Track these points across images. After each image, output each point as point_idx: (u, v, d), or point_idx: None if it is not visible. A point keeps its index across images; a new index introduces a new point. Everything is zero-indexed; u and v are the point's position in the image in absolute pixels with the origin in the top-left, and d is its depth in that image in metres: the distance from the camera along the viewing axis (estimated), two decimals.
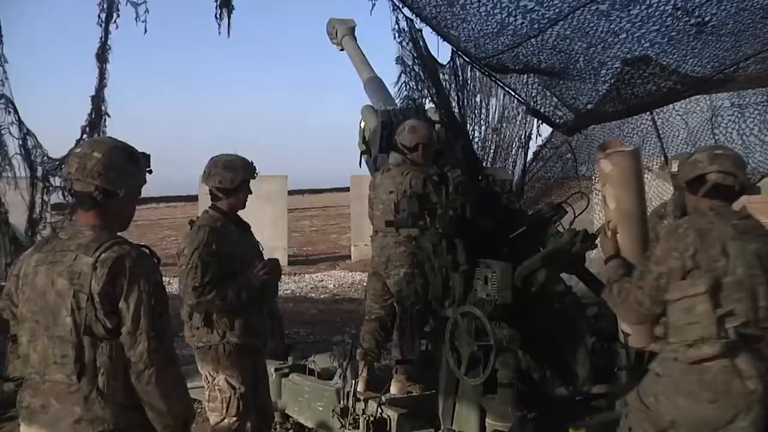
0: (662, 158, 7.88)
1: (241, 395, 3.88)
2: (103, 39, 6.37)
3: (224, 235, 3.85)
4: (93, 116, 6.54)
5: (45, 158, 6.97)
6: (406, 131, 5.12)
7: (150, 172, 2.56)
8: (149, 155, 2.56)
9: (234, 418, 3.89)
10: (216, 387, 3.89)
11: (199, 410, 5.74)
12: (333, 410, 4.65)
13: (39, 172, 6.94)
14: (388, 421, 4.40)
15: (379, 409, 4.43)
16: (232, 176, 3.86)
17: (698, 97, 7.22)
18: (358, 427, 4.50)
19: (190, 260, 3.73)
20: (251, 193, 4.04)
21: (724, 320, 2.79)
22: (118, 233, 2.46)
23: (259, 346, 4.03)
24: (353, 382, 4.66)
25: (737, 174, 2.99)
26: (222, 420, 3.90)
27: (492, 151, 7.04)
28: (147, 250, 2.45)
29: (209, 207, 4.00)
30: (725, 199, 3.03)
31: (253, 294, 3.84)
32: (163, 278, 2.49)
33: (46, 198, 6.98)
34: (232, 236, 3.90)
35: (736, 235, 2.87)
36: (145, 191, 2.60)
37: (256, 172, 4.01)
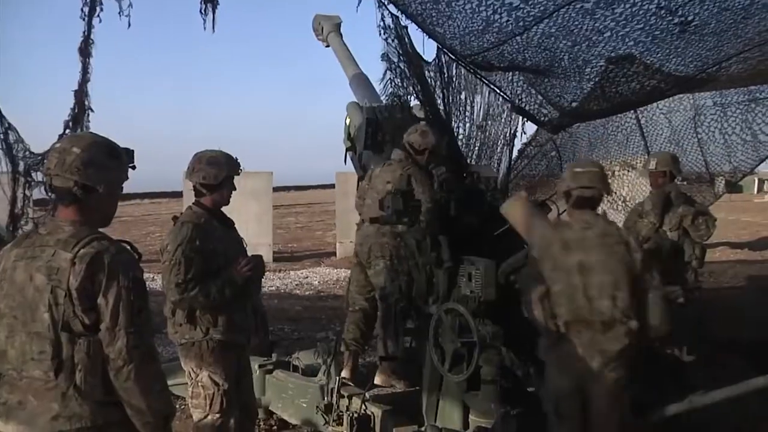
0: (646, 156, 7.94)
1: (224, 392, 3.85)
2: (86, 33, 6.31)
3: (208, 232, 3.81)
4: (76, 111, 6.48)
5: (27, 153, 6.90)
6: (417, 133, 5.10)
7: (133, 167, 2.53)
8: (132, 151, 2.52)
9: (217, 415, 3.86)
10: (199, 383, 3.86)
11: (182, 407, 5.73)
12: (317, 407, 4.65)
13: (21, 167, 6.87)
14: (372, 417, 4.40)
15: (363, 406, 4.43)
16: (216, 172, 3.81)
17: (682, 96, 7.28)
18: (342, 424, 4.50)
19: (173, 256, 3.69)
20: (235, 189, 4.00)
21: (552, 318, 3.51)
22: (100, 229, 2.44)
23: (242, 343, 4.00)
24: (337, 378, 4.65)
25: (596, 186, 3.56)
26: (205, 417, 3.88)
27: (477, 148, 7.06)
28: (127, 246, 2.43)
29: (193, 203, 3.95)
30: (591, 207, 3.64)
31: (237, 290, 3.81)
32: (147, 275, 2.47)
33: (28, 193, 6.91)
34: (216, 232, 3.87)
35: (565, 249, 3.55)
36: (129, 187, 2.56)
37: (241, 168, 3.98)
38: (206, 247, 3.75)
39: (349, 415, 4.43)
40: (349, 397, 4.55)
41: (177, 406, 5.43)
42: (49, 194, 2.46)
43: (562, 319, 3.49)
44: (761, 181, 36.50)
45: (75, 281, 2.24)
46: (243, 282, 3.82)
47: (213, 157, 3.85)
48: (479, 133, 7.03)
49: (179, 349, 3.92)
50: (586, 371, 3.47)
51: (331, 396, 4.60)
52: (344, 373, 4.82)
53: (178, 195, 20.45)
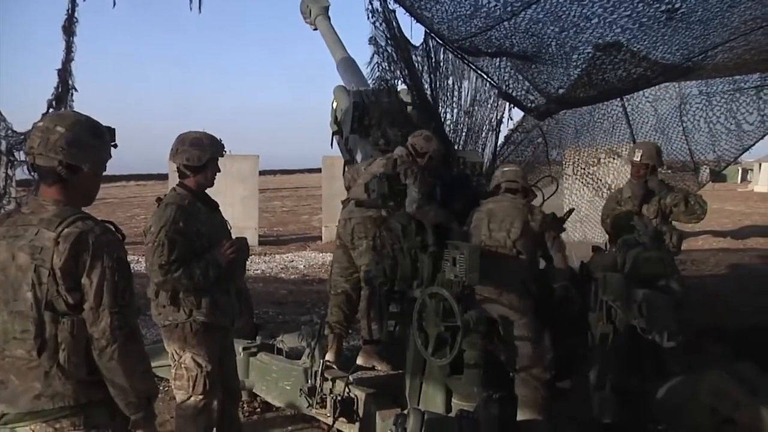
0: (631, 144, 7.97)
1: (207, 373, 3.85)
2: (69, 11, 6.25)
3: (192, 213, 3.78)
4: (60, 90, 6.43)
5: (9, 132, 6.85)
6: (422, 137, 5.04)
7: (115, 146, 2.51)
8: (114, 129, 2.50)
9: (200, 396, 3.86)
10: (182, 365, 3.86)
11: (165, 389, 5.73)
12: (300, 389, 4.66)
13: (3, 146, 6.83)
14: (355, 400, 4.43)
15: (347, 389, 4.45)
16: (200, 153, 3.77)
17: (668, 84, 7.31)
18: (325, 407, 4.51)
19: (157, 238, 3.66)
20: (219, 171, 3.98)
21: None
22: (83, 209, 2.42)
23: (226, 325, 3.99)
24: (321, 361, 4.66)
25: (518, 181, 4.63)
26: (188, 398, 3.88)
27: (463, 134, 7.06)
28: (111, 226, 2.42)
29: (177, 185, 3.92)
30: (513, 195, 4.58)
31: (221, 272, 3.80)
32: (131, 256, 2.46)
33: (10, 172, 6.88)
34: (200, 215, 3.84)
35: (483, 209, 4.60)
36: (115, 169, 2.55)
37: (225, 149, 3.95)
38: (190, 229, 3.73)
39: (332, 398, 4.45)
40: (333, 380, 4.57)
41: (160, 388, 5.44)
42: (33, 174, 2.43)
43: None
44: (744, 171, 36.82)
45: (59, 261, 2.23)
46: (227, 264, 3.80)
47: (196, 138, 3.81)
48: (466, 119, 7.04)
49: (162, 331, 3.91)
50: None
51: (315, 379, 4.61)
52: (328, 356, 4.83)
53: (163, 177, 20.35)
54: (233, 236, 4.01)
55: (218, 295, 3.83)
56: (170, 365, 3.98)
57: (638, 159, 5.47)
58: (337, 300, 5.12)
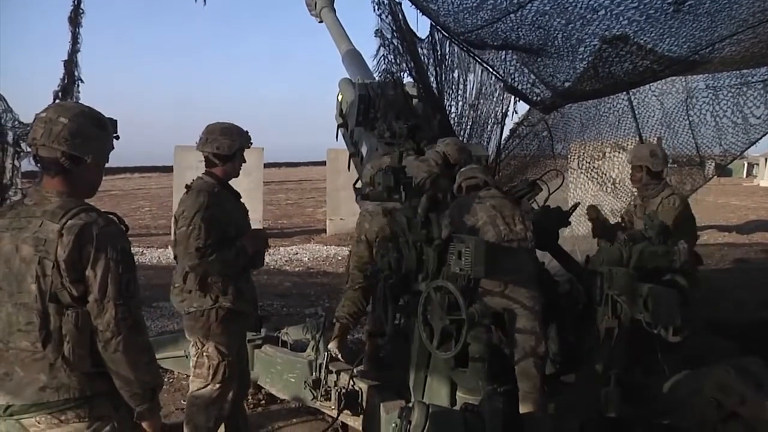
0: (637, 138, 7.94)
1: (228, 363, 3.91)
2: (76, 2, 6.25)
3: (221, 201, 3.86)
4: (65, 81, 6.44)
5: (16, 123, 6.86)
6: (456, 148, 4.93)
7: (117, 137, 2.51)
8: (116, 120, 2.50)
9: (218, 385, 3.90)
10: (204, 354, 3.89)
11: (170, 380, 5.75)
12: (305, 382, 4.66)
13: (10, 137, 6.84)
14: (360, 393, 4.43)
15: (351, 382, 4.45)
16: (230, 143, 3.87)
17: (674, 78, 7.27)
18: (329, 399, 4.52)
19: (192, 222, 3.70)
20: (245, 161, 4.06)
21: None
22: (86, 200, 2.42)
23: (248, 312, 4.06)
24: (325, 354, 4.66)
25: (477, 176, 4.38)
26: (204, 386, 3.91)
27: (468, 127, 7.04)
28: (115, 218, 2.42)
29: (204, 173, 4.00)
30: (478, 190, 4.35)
31: (247, 261, 3.90)
32: (135, 248, 2.46)
33: (17, 163, 6.89)
34: (228, 203, 3.92)
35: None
36: (120, 161, 2.55)
37: (251, 141, 4.03)
38: (221, 216, 3.81)
39: (336, 390, 4.46)
40: (337, 373, 4.58)
41: (165, 379, 5.46)
42: (37, 165, 2.43)
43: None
44: (750, 165, 36.69)
45: (63, 252, 2.23)
46: (253, 253, 3.93)
47: (226, 128, 3.92)
48: (471, 112, 7.01)
49: (185, 319, 3.95)
50: None
51: (319, 371, 4.62)
52: (331, 345, 4.80)
53: (168, 170, 20.36)
54: None
55: (242, 283, 3.93)
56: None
57: (630, 162, 5.30)
58: (353, 295, 5.04)
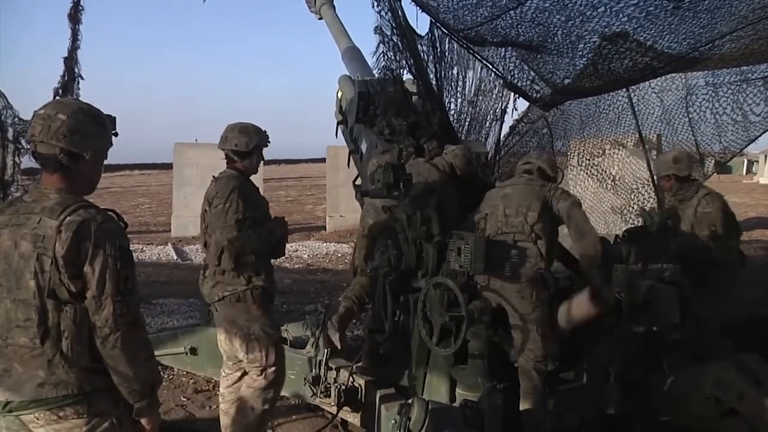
0: (637, 135, 7.93)
1: (276, 341, 4.07)
2: None
3: (248, 189, 4.04)
4: (66, 78, 6.44)
5: (16, 119, 6.87)
6: (464, 160, 4.97)
7: (116, 134, 2.51)
8: (114, 117, 2.50)
9: (273, 367, 4.01)
10: (253, 337, 3.97)
11: (169, 377, 5.75)
12: (305, 378, 4.67)
13: (10, 134, 6.85)
14: (359, 389, 4.43)
15: (351, 378, 4.46)
16: (247, 140, 4.06)
17: (674, 75, 7.27)
18: (329, 396, 4.52)
19: (229, 198, 3.87)
20: (264, 159, 4.22)
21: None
22: (85, 197, 2.42)
23: (274, 296, 4.21)
24: (325, 351, 4.66)
25: (532, 161, 4.38)
26: (262, 373, 4.00)
27: (466, 123, 7.03)
28: (113, 215, 2.42)
29: (227, 167, 4.14)
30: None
31: (275, 244, 4.10)
32: (136, 245, 2.46)
33: (17, 160, 6.90)
34: (252, 193, 4.08)
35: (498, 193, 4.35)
36: (119, 158, 2.55)
37: (269, 141, 4.19)
38: (252, 198, 4.01)
39: (336, 387, 4.46)
40: (337, 370, 4.58)
41: (164, 376, 5.46)
42: (36, 161, 2.43)
43: (486, 233, 4.13)
44: (750, 162, 36.66)
45: (61, 249, 2.23)
46: (281, 237, 4.12)
47: (245, 127, 4.12)
48: (470, 108, 7.01)
49: (221, 308, 4.00)
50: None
51: (319, 368, 4.62)
52: (334, 320, 4.77)
53: (168, 167, 20.36)
54: None
55: (269, 267, 4.11)
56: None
57: (657, 174, 5.25)
58: (362, 280, 4.99)
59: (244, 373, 4.14)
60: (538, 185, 4.21)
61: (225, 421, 4.17)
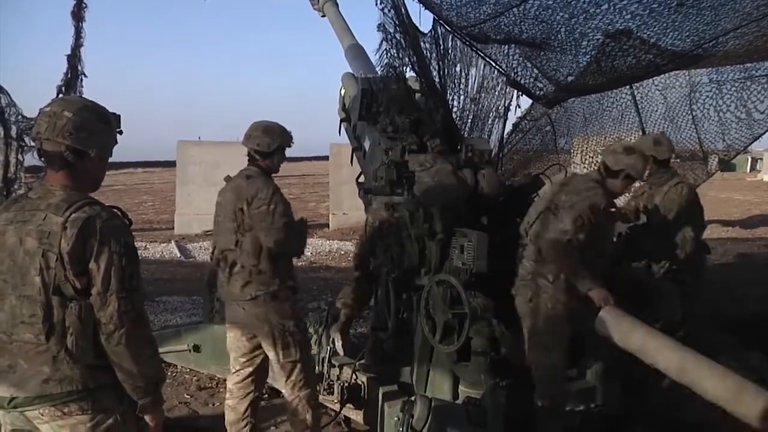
0: (640, 132, 7.92)
1: (305, 335, 4.19)
2: None
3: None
4: (69, 76, 6.45)
5: (19, 117, 6.89)
6: (490, 178, 5.01)
7: (120, 132, 2.53)
8: (119, 115, 2.52)
9: (301, 364, 4.06)
10: (288, 333, 4.01)
11: (173, 374, 5.77)
12: None
13: (13, 132, 6.87)
14: (363, 387, 4.44)
15: (354, 376, 4.46)
16: (270, 141, 4.06)
17: (677, 72, 7.24)
18: (332, 393, 4.53)
19: (272, 200, 3.90)
20: (285, 159, 4.22)
21: None
22: (89, 194, 2.43)
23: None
24: (328, 348, 4.67)
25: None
26: (294, 367, 4.04)
27: (469, 120, 7.03)
28: (118, 212, 2.43)
29: (250, 165, 4.14)
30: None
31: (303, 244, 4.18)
32: (139, 243, 2.47)
33: (21, 157, 6.92)
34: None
35: None
36: (123, 156, 2.56)
37: (293, 141, 4.20)
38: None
39: (339, 384, 4.47)
40: (340, 367, 4.59)
41: (168, 373, 5.47)
42: (41, 159, 2.44)
43: None
44: (754, 160, 36.55)
45: (66, 245, 2.24)
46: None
47: (269, 127, 4.12)
48: (472, 106, 7.00)
49: (249, 305, 3.99)
50: None
51: (322, 365, 4.63)
52: (336, 327, 4.81)
53: (171, 165, 20.38)
54: None
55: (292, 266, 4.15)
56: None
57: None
58: (355, 280, 5.03)
59: (256, 369, 4.19)
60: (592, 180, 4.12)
61: (231, 417, 4.20)
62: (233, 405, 4.21)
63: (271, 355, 4.07)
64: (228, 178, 4.19)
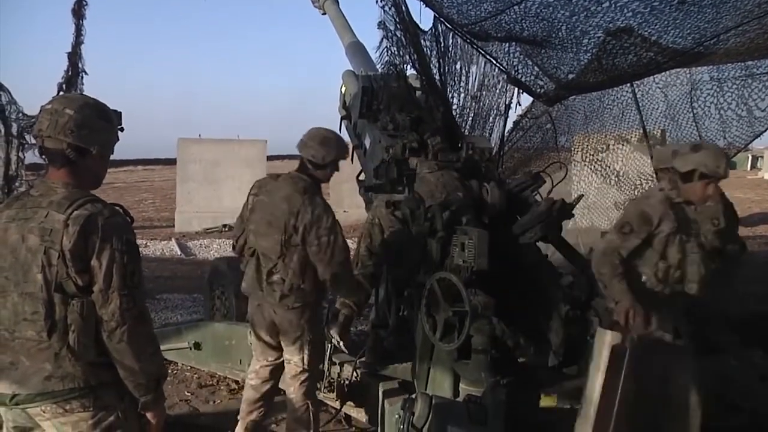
0: (641, 131, 7.91)
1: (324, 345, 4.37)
2: None
3: None
4: (70, 73, 6.46)
5: (20, 115, 6.90)
6: (497, 192, 4.90)
7: (122, 129, 2.53)
8: (120, 113, 2.52)
9: (316, 373, 4.24)
10: (316, 343, 4.13)
11: (174, 372, 5.77)
12: None
13: (14, 129, 6.88)
14: (363, 384, 4.44)
15: (354, 373, 4.47)
16: (325, 153, 3.98)
17: (678, 70, 7.23)
18: (333, 391, 4.54)
19: (334, 230, 3.87)
20: (338, 170, 4.14)
21: None
22: (91, 191, 2.43)
23: None
24: (329, 346, 4.67)
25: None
26: (311, 376, 4.15)
27: (470, 118, 7.03)
28: (120, 209, 2.43)
29: (301, 173, 4.05)
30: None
31: None
32: (140, 240, 2.48)
33: (21, 155, 6.94)
34: None
35: None
36: (123, 154, 2.57)
37: (348, 153, 4.20)
38: None
39: (340, 381, 4.48)
40: (341, 365, 4.59)
41: (169, 371, 5.47)
42: (43, 156, 2.45)
43: None
44: (754, 158, 36.54)
45: (68, 243, 2.25)
46: None
47: (326, 138, 4.04)
48: (473, 104, 7.00)
49: (291, 314, 4.01)
50: None
51: (323, 363, 4.63)
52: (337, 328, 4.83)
53: (171, 162, 20.37)
54: None
55: None
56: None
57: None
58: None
59: (282, 362, 4.23)
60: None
61: (251, 395, 4.27)
62: (256, 384, 4.25)
63: (294, 359, 4.10)
64: (273, 177, 4.14)
